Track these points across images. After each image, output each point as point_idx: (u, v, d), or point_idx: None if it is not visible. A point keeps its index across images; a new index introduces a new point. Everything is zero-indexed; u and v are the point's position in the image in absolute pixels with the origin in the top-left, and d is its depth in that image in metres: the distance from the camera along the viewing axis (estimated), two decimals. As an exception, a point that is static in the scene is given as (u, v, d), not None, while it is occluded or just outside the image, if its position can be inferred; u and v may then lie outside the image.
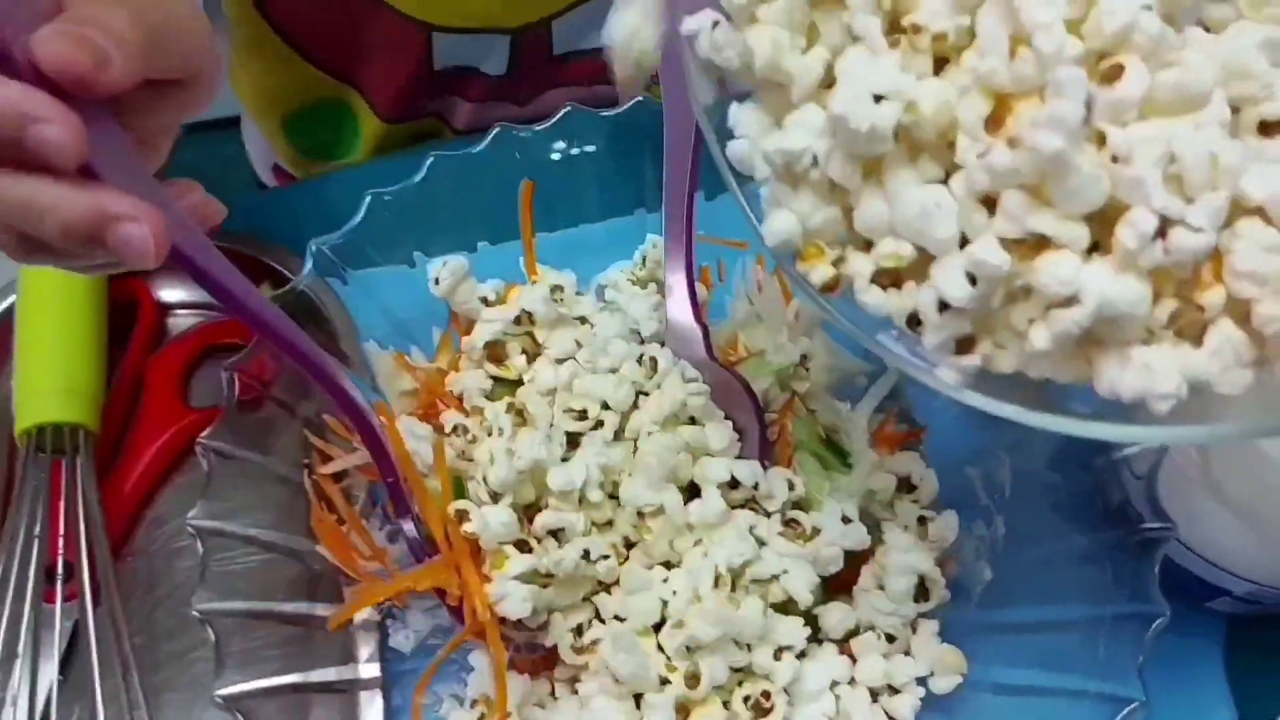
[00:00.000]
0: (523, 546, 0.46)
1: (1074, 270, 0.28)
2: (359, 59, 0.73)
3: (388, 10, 0.66)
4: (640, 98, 0.56)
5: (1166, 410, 0.28)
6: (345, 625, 0.45)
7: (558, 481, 0.46)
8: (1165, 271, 0.28)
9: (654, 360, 0.50)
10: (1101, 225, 0.28)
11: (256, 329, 0.42)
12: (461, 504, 0.47)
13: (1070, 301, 0.28)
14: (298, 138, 0.79)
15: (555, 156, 0.57)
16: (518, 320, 0.53)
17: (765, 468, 0.49)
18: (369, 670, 0.49)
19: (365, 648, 0.50)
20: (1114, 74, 0.27)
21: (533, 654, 0.48)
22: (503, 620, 0.45)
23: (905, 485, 0.52)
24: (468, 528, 0.46)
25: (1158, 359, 0.28)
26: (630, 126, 0.57)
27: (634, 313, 0.55)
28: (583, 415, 0.50)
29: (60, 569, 0.53)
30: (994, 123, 0.28)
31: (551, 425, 0.50)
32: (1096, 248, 0.29)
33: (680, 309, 0.51)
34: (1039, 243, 0.28)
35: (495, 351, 0.54)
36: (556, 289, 0.54)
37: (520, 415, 0.50)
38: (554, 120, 0.56)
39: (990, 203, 0.29)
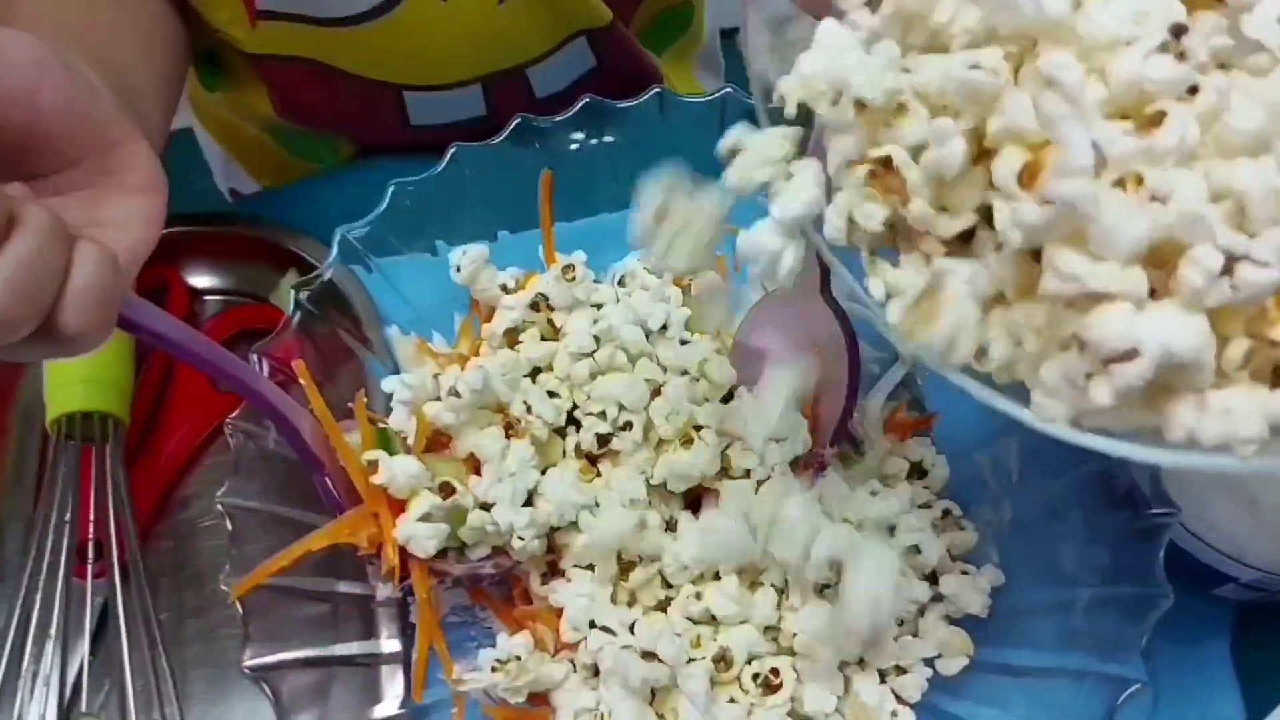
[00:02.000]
0: (446, 490, 0.48)
1: (1128, 322, 0.27)
2: (334, 118, 0.73)
3: (355, 77, 0.67)
4: (656, 89, 0.57)
5: (1251, 454, 0.27)
6: (252, 590, 0.46)
7: (601, 539, 0.48)
8: (1231, 311, 0.27)
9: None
10: (1154, 271, 0.27)
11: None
12: (373, 453, 0.48)
13: (1129, 355, 0.27)
14: (285, 141, 0.78)
15: (574, 147, 0.58)
16: (535, 306, 0.54)
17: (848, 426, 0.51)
18: (390, 646, 0.51)
19: (387, 624, 0.52)
20: (1157, 120, 0.27)
21: (476, 585, 0.51)
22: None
23: (916, 471, 0.52)
24: (376, 479, 0.47)
25: (1237, 402, 0.27)
26: (648, 117, 0.57)
27: (639, 304, 0.55)
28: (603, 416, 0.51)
29: (90, 550, 0.55)
30: (1028, 176, 0.28)
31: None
32: (1153, 294, 0.28)
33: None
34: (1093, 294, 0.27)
35: (514, 337, 0.55)
36: (568, 268, 0.55)
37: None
38: (572, 111, 0.57)
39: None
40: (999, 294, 0.30)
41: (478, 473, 0.50)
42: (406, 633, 0.51)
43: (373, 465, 0.48)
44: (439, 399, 0.51)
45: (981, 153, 0.30)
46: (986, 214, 0.30)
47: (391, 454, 0.49)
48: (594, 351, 0.53)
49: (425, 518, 0.47)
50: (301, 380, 0.50)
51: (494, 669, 0.47)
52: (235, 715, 0.53)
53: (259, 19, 0.64)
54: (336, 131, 0.75)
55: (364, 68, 0.67)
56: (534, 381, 0.53)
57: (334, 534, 0.48)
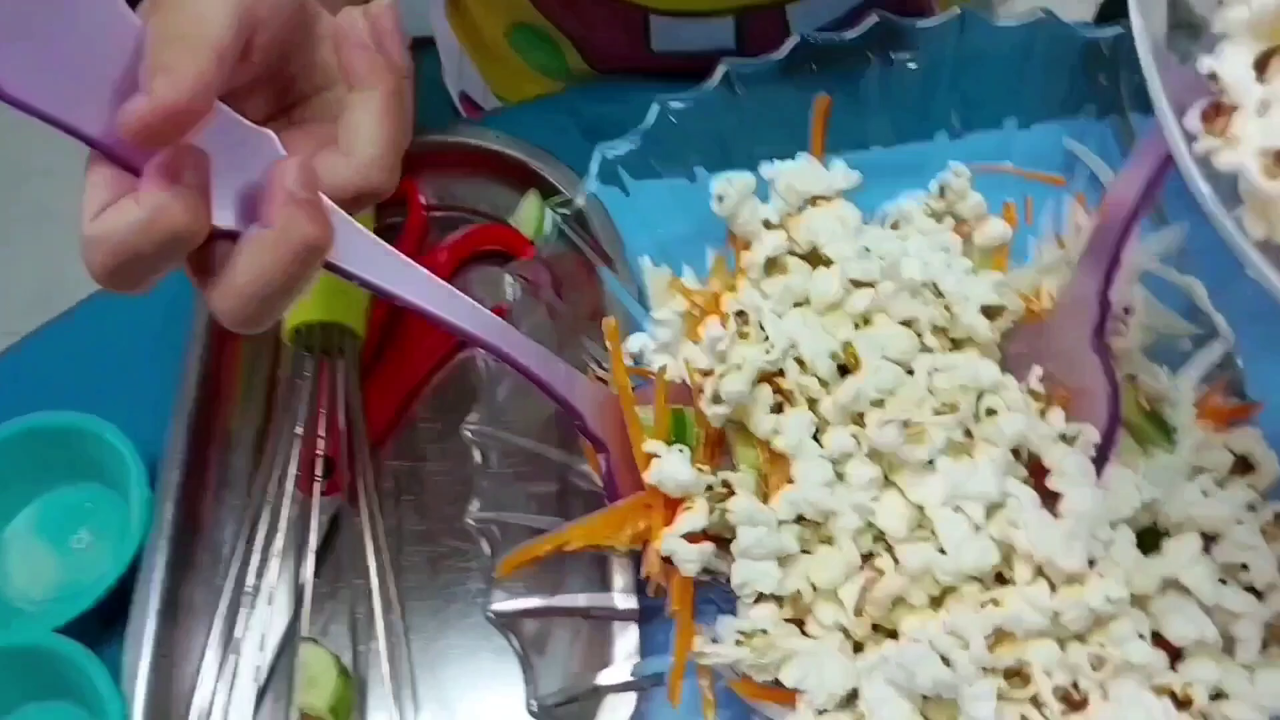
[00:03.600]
0: (723, 489, 0.43)
1: None
2: (574, 27, 0.69)
3: None
4: (957, 9, 0.51)
5: None
6: (510, 573, 0.43)
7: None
8: None
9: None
10: None
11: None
12: (653, 445, 0.44)
13: None
14: (524, 50, 0.74)
15: (858, 70, 0.52)
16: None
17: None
18: (624, 601, 0.47)
19: (621, 574, 0.48)
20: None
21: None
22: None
23: (1240, 465, 0.45)
24: (646, 476, 0.43)
25: None
26: (946, 40, 0.51)
27: (915, 251, 0.49)
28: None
29: (320, 466, 0.52)
30: None
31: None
32: None
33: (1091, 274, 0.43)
34: None
35: (774, 270, 0.50)
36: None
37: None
38: (860, 30, 0.51)
39: None
40: None
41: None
42: (641, 589, 0.47)
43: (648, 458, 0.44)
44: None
45: None
46: None
47: (686, 440, 0.45)
48: (876, 283, 0.47)
49: (692, 537, 0.43)
50: (609, 343, 0.46)
51: (738, 643, 0.43)
52: (457, 651, 0.51)
53: None
54: (572, 40, 0.71)
55: None
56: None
57: (594, 532, 0.44)
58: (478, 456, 0.43)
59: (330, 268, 0.35)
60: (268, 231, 0.32)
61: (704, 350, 0.46)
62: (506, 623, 0.41)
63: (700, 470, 0.44)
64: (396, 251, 0.37)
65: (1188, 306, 0.51)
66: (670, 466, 0.43)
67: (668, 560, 0.43)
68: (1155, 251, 0.51)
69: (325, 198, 0.34)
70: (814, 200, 0.51)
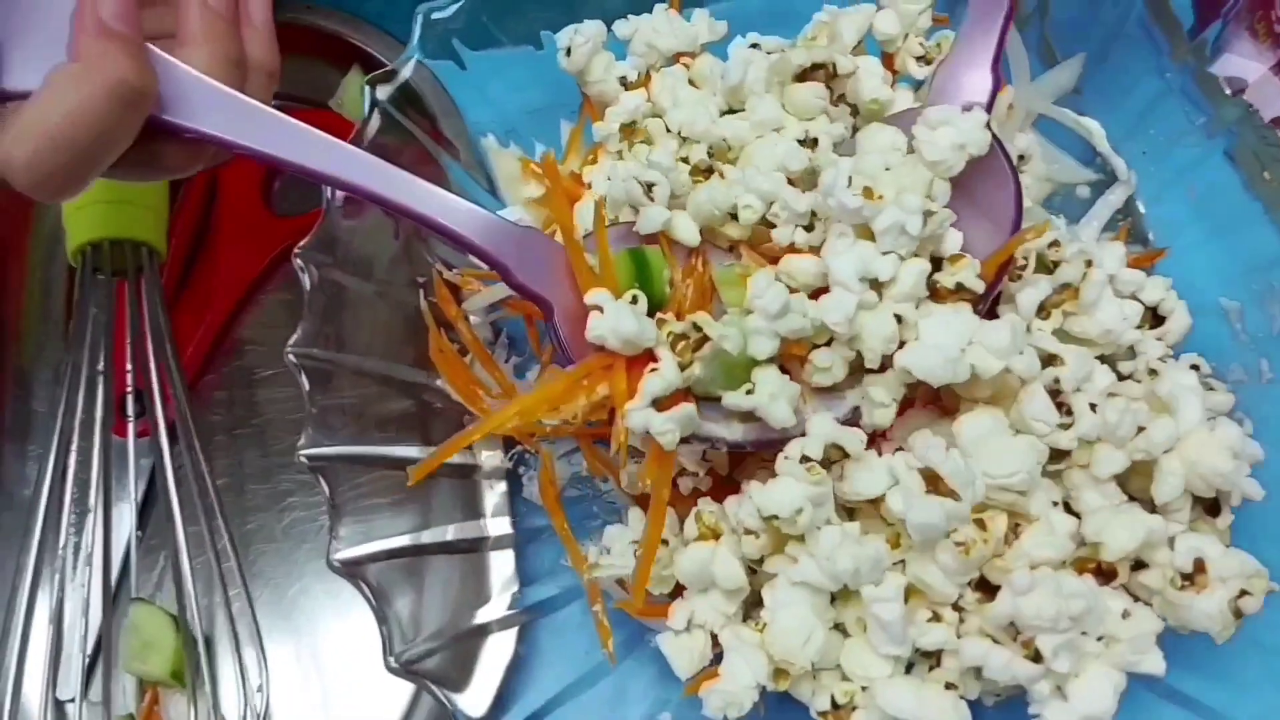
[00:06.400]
0: (692, 342, 0.35)
1: None
2: None
3: None
4: None
5: None
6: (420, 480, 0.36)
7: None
8: None
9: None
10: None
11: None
12: (595, 295, 0.35)
13: None
14: None
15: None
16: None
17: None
18: (498, 527, 0.42)
19: (492, 499, 0.42)
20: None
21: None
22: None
23: (1149, 318, 0.42)
24: (589, 332, 0.35)
25: None
26: None
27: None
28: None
29: (130, 403, 0.46)
30: None
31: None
32: None
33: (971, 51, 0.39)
34: None
35: (634, 137, 0.44)
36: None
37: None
38: None
39: None
40: None
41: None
42: (517, 512, 0.42)
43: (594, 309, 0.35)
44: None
45: None
46: None
47: (652, 286, 0.36)
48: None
49: (660, 403, 0.34)
50: (546, 179, 0.40)
51: (638, 555, 0.38)
52: (312, 596, 0.45)
53: None
54: None
55: None
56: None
57: (538, 406, 0.35)
58: (305, 383, 0.37)
59: (163, 124, 0.31)
60: (74, 65, 0.28)
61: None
62: (354, 571, 0.35)
63: (662, 320, 0.35)
64: (247, 98, 0.33)
65: (1086, 152, 0.47)
66: (612, 318, 0.34)
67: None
68: (1048, 93, 0.47)
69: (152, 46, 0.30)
70: (677, 57, 0.46)
